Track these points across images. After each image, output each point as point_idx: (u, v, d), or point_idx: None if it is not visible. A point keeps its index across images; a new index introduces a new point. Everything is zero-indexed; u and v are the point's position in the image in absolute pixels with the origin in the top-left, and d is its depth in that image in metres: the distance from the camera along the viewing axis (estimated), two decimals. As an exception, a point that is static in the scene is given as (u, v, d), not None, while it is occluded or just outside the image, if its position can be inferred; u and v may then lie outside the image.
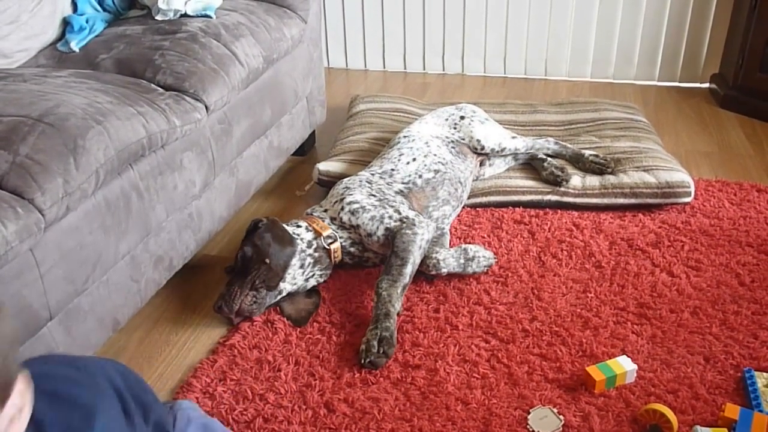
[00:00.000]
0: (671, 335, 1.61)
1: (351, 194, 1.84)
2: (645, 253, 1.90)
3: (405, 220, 1.77)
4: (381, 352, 1.53)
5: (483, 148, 2.15)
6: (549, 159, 2.23)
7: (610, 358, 1.52)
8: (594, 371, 1.46)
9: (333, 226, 1.81)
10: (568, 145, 2.30)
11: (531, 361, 1.54)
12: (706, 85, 3.13)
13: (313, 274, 1.77)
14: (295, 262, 1.72)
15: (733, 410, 1.35)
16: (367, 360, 1.52)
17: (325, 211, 1.86)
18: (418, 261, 1.72)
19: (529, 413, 1.41)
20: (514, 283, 1.79)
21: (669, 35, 3.11)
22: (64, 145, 1.36)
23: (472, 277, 1.81)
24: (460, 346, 1.59)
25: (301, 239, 1.76)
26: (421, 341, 1.60)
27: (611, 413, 1.40)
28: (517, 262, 1.87)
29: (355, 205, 1.81)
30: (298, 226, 1.80)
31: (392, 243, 1.73)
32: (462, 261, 1.79)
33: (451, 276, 1.81)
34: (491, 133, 2.18)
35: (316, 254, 1.76)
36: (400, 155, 2.02)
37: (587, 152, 2.25)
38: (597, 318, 1.66)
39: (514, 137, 2.24)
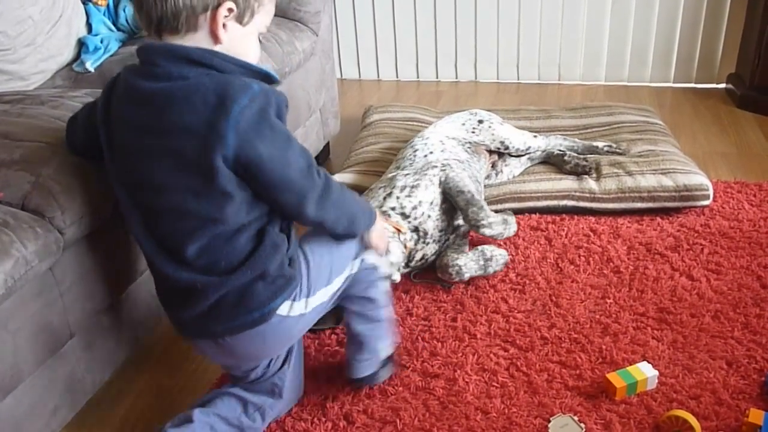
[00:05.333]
0: (692, 340, 1.59)
1: (390, 188, 1.83)
2: (664, 257, 1.88)
3: (444, 167, 1.85)
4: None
5: (508, 148, 2.15)
6: (568, 152, 2.22)
7: (630, 365, 1.50)
8: (614, 378, 1.45)
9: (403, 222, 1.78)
10: (577, 139, 2.32)
11: (550, 368, 1.53)
12: (723, 85, 3.11)
13: None
14: None
15: (757, 415, 1.33)
16: None
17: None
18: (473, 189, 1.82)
19: (549, 421, 1.40)
20: (532, 290, 1.79)
21: (683, 36, 3.09)
22: (86, 167, 1.37)
23: (489, 285, 1.80)
24: (479, 354, 1.58)
25: None
26: (440, 351, 1.60)
27: (633, 420, 1.39)
28: (535, 269, 1.86)
29: (406, 189, 1.80)
30: None
31: (448, 191, 1.80)
32: (482, 263, 1.79)
33: (467, 284, 1.81)
34: (514, 133, 2.18)
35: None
36: (414, 152, 1.99)
37: (600, 143, 2.27)
38: (616, 324, 1.65)
39: (535, 136, 2.23)
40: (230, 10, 1.18)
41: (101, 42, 1.98)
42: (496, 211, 2.07)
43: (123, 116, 1.21)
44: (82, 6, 2.05)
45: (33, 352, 1.26)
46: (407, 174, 1.87)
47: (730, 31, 3.04)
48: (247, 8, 1.20)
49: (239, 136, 1.12)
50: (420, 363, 1.57)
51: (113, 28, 2.10)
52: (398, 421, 1.42)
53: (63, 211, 1.30)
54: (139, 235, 1.24)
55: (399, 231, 1.74)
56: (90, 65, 1.90)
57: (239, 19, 1.20)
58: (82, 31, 2.02)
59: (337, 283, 1.36)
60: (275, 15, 2.22)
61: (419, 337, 1.65)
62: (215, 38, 1.19)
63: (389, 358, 1.51)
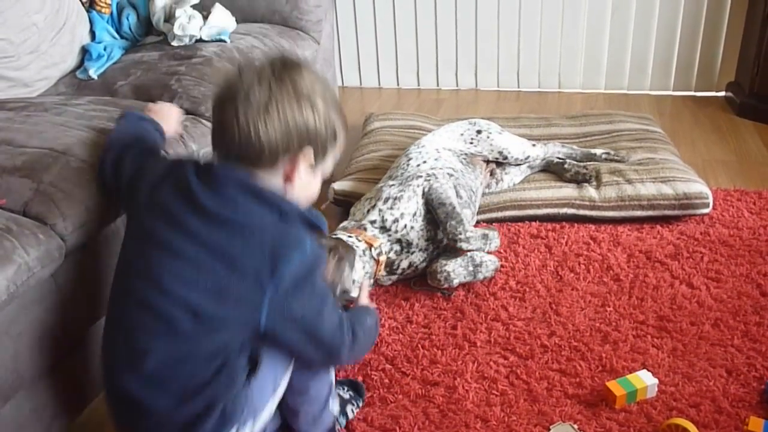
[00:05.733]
0: (692, 348, 1.59)
1: (376, 199, 1.84)
2: (664, 265, 1.88)
3: (429, 177, 1.86)
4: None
5: (506, 158, 2.15)
6: (568, 160, 2.23)
7: (630, 373, 1.50)
8: (614, 386, 1.45)
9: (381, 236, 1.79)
10: (575, 147, 2.33)
11: (550, 376, 1.54)
12: (722, 93, 3.11)
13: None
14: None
15: (757, 424, 1.34)
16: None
17: (359, 220, 1.83)
18: (455, 200, 1.83)
19: (549, 430, 1.40)
20: (532, 298, 1.79)
21: (683, 44, 3.10)
22: (88, 174, 1.38)
23: (489, 293, 1.81)
24: (479, 362, 1.59)
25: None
26: (439, 358, 1.60)
27: (632, 428, 1.39)
28: (535, 277, 1.87)
29: (389, 201, 1.81)
30: (349, 237, 1.76)
31: (430, 203, 1.81)
32: (471, 268, 1.79)
33: (467, 292, 1.81)
34: (513, 142, 2.18)
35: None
36: (408, 160, 2.00)
37: (598, 151, 2.29)
38: (616, 332, 1.65)
39: (534, 144, 2.24)
40: (306, 158, 1.19)
41: (104, 49, 1.99)
42: (488, 222, 2.08)
43: (167, 206, 1.17)
44: (85, 14, 2.06)
45: (34, 358, 1.26)
46: (392, 185, 1.89)
47: (729, 40, 3.05)
48: (321, 154, 1.22)
49: (278, 295, 1.12)
50: (420, 371, 1.57)
51: (116, 35, 2.11)
52: (398, 429, 1.42)
53: (65, 218, 1.30)
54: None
55: (371, 246, 1.74)
56: (93, 72, 1.91)
57: (311, 165, 1.22)
58: (86, 39, 2.03)
59: (282, 388, 1.26)
60: (277, 23, 2.25)
61: (419, 345, 1.65)
62: (289, 180, 1.19)
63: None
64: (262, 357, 1.18)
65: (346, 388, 1.51)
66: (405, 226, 1.79)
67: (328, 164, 1.27)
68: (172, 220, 1.15)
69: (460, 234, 1.77)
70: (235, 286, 1.11)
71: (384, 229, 1.78)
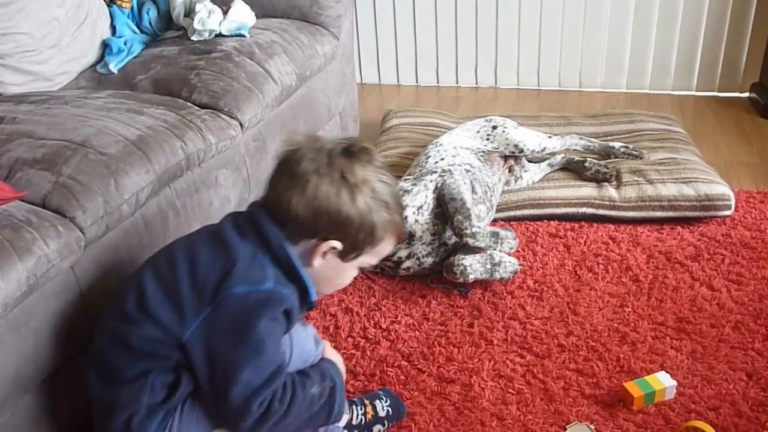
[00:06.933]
0: (712, 350, 1.57)
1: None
2: (684, 267, 1.86)
3: (444, 173, 1.86)
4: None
5: (522, 151, 2.14)
6: (589, 158, 2.21)
7: (648, 374, 1.49)
8: (632, 387, 1.43)
9: None
10: (593, 139, 2.32)
11: (567, 376, 1.52)
12: (746, 94, 3.07)
13: None
14: None
15: (777, 428, 1.32)
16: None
17: None
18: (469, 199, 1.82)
19: (565, 429, 1.39)
20: (550, 297, 1.78)
21: (706, 44, 3.06)
22: (106, 167, 1.39)
23: (506, 292, 1.80)
24: (495, 361, 1.58)
25: None
26: (456, 356, 1.60)
27: (650, 430, 1.38)
28: (553, 276, 1.85)
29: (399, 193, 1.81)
30: None
31: (441, 197, 1.81)
32: (488, 266, 1.78)
33: (485, 290, 1.80)
34: (528, 135, 2.17)
35: None
36: (427, 158, 2.03)
37: (616, 144, 2.29)
38: (635, 333, 1.64)
39: (550, 137, 2.23)
40: (333, 247, 1.18)
41: (125, 44, 2.00)
42: (507, 220, 2.07)
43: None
44: (106, 8, 2.08)
45: (54, 349, 1.27)
46: (408, 179, 1.91)
47: (754, 40, 3.01)
48: (353, 249, 1.20)
49: (212, 317, 1.10)
50: (436, 368, 1.57)
51: (137, 30, 2.12)
52: (413, 425, 1.42)
53: (84, 211, 1.31)
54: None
55: None
56: (113, 67, 1.92)
57: (341, 255, 1.20)
58: (106, 33, 2.05)
59: None
60: (296, 19, 2.25)
61: (435, 342, 1.64)
62: (308, 264, 1.19)
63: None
64: (193, 400, 1.15)
65: (386, 401, 1.41)
66: (407, 217, 1.79)
67: (367, 258, 1.24)
68: (188, 238, 1.24)
69: (466, 229, 1.76)
70: (184, 290, 1.12)
71: None
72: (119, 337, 1.15)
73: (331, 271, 1.22)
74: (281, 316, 1.15)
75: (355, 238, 1.18)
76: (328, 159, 1.16)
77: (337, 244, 1.18)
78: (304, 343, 1.25)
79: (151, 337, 1.12)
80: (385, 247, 1.25)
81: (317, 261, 1.19)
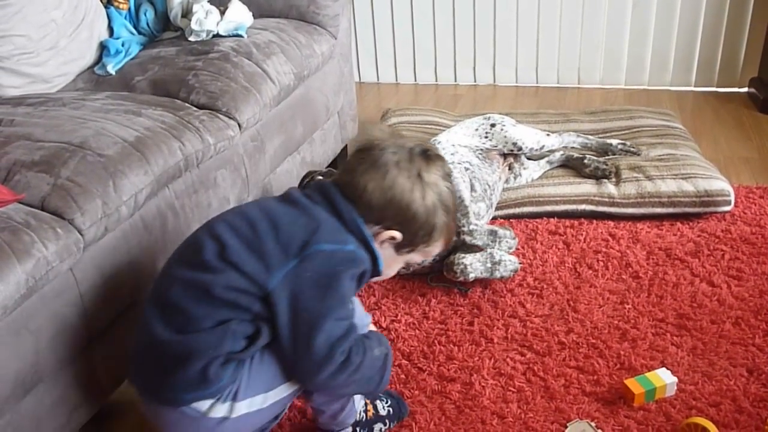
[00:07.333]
0: (712, 347, 1.57)
1: None
2: (684, 263, 1.86)
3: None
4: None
5: (521, 148, 2.14)
6: (588, 155, 2.21)
7: (649, 371, 1.49)
8: (633, 384, 1.43)
9: None
10: (590, 137, 2.32)
11: (568, 374, 1.52)
12: (745, 89, 3.07)
13: None
14: None
15: (778, 424, 1.32)
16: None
17: None
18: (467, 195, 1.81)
19: (566, 427, 1.39)
20: (550, 294, 1.77)
21: (705, 39, 3.06)
22: (104, 169, 1.39)
23: (506, 290, 1.79)
24: (495, 359, 1.58)
25: None
26: (456, 354, 1.60)
27: (651, 427, 1.38)
28: (553, 274, 1.85)
29: None
30: None
31: None
32: (489, 265, 1.78)
33: (485, 288, 1.80)
34: (527, 133, 2.17)
35: None
36: None
37: (614, 141, 2.29)
38: (635, 330, 1.64)
39: (548, 134, 2.23)
40: (393, 238, 1.25)
41: (122, 45, 1.99)
42: (506, 218, 2.07)
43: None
44: (103, 10, 2.07)
45: (53, 351, 1.27)
46: None
47: (752, 35, 3.00)
48: (410, 244, 1.28)
49: (298, 270, 1.15)
50: (436, 366, 1.57)
51: (134, 31, 2.12)
52: (414, 424, 1.42)
53: (82, 213, 1.31)
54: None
55: None
56: (111, 68, 1.92)
57: (397, 247, 1.28)
58: (104, 35, 2.04)
59: (280, 393, 1.22)
60: (293, 18, 2.24)
61: (435, 341, 1.64)
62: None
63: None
64: (263, 354, 1.18)
65: (387, 401, 1.42)
66: None
67: (416, 256, 1.31)
68: (259, 202, 1.30)
69: (464, 226, 1.76)
70: (268, 243, 1.16)
71: None
72: (199, 285, 1.16)
73: (384, 259, 1.27)
74: (356, 277, 1.21)
75: (415, 233, 1.25)
76: (409, 156, 1.24)
77: (398, 235, 1.24)
78: (360, 310, 1.30)
79: (234, 286, 1.14)
80: (435, 248, 1.32)
81: (375, 247, 1.24)
